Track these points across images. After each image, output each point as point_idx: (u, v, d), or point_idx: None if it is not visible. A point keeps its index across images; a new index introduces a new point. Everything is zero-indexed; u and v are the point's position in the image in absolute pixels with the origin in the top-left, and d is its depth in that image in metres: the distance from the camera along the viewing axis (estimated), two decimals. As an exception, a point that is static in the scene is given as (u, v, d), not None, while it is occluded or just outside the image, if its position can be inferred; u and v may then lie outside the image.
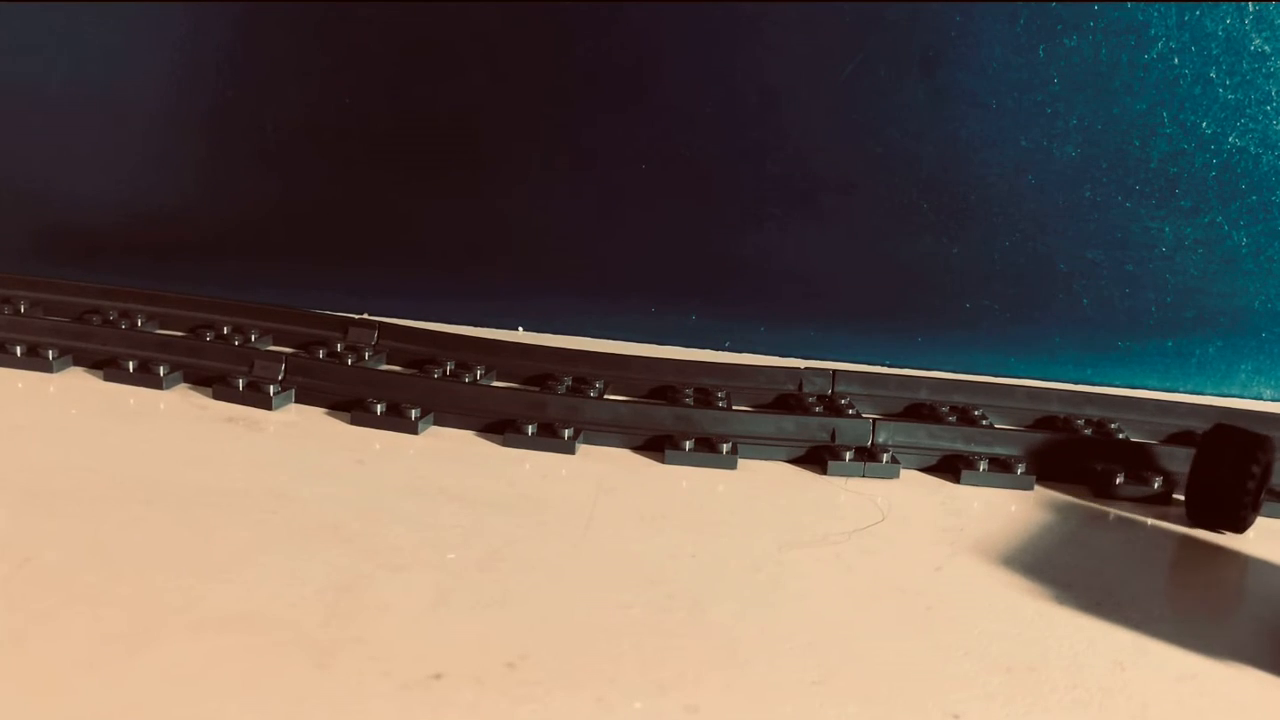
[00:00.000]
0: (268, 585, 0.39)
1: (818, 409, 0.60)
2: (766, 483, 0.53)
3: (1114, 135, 0.70)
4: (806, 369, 0.64)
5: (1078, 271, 0.71)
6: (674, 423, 0.55)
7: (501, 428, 0.55)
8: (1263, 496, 0.52)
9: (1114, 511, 0.53)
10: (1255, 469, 0.50)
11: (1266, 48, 0.68)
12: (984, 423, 0.60)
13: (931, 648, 0.39)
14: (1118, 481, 0.54)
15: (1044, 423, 0.62)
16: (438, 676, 0.35)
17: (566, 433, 0.54)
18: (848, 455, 0.54)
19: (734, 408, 0.60)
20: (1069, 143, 0.70)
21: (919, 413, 0.62)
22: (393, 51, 0.73)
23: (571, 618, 0.39)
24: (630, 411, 0.56)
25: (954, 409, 0.62)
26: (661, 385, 0.62)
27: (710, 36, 0.70)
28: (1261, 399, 0.72)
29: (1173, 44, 0.68)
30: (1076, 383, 0.71)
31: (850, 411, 0.60)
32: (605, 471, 0.53)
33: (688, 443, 0.54)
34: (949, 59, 0.69)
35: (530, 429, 0.54)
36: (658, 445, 0.55)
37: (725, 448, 0.54)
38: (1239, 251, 0.71)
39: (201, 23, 0.74)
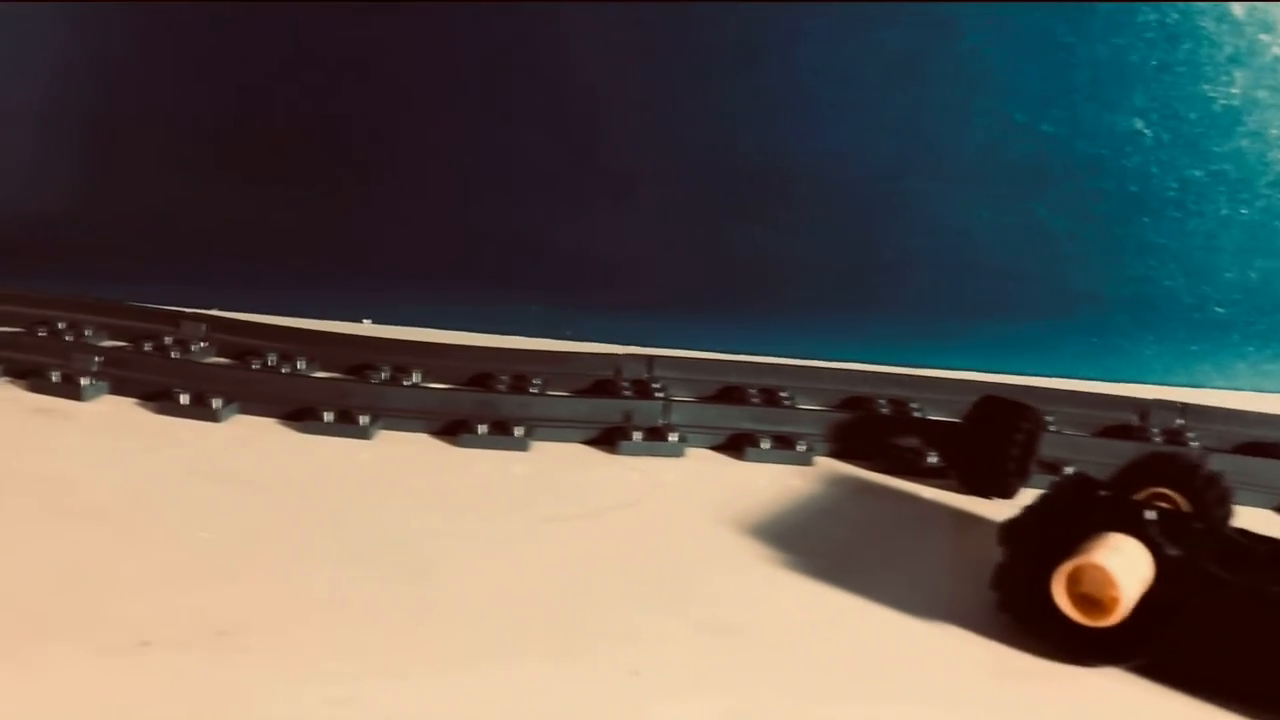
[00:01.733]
0: (9, 565, 0.41)
1: (627, 391, 0.62)
2: (555, 462, 0.55)
3: (932, 126, 0.72)
4: (625, 355, 0.66)
5: (901, 259, 0.74)
6: (472, 407, 0.57)
7: (303, 416, 0.57)
8: (1030, 465, 0.54)
9: (894, 484, 0.56)
10: (1018, 436, 0.52)
11: (1072, 39, 0.70)
12: (785, 403, 0.62)
13: (642, 609, 0.41)
14: (902, 455, 0.57)
15: (850, 402, 0.64)
16: (145, 644, 0.36)
17: (363, 419, 0.56)
18: (637, 435, 0.56)
19: (546, 393, 0.61)
20: (888, 134, 0.72)
21: (729, 395, 0.64)
22: (241, 55, 0.75)
23: (297, 589, 0.41)
24: (431, 397, 0.58)
25: (762, 390, 0.63)
26: (481, 373, 0.64)
27: (535, 34, 0.72)
28: (1085, 379, 0.74)
29: (984, 37, 0.71)
30: (903, 366, 0.73)
31: (659, 395, 0.62)
32: (397, 455, 0.55)
33: (482, 426, 0.56)
34: (771, 53, 0.71)
35: (328, 416, 0.56)
36: (457, 430, 0.56)
37: (519, 430, 0.56)
38: (1056, 236, 0.73)
39: (52, 25, 0.76)
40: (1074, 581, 0.39)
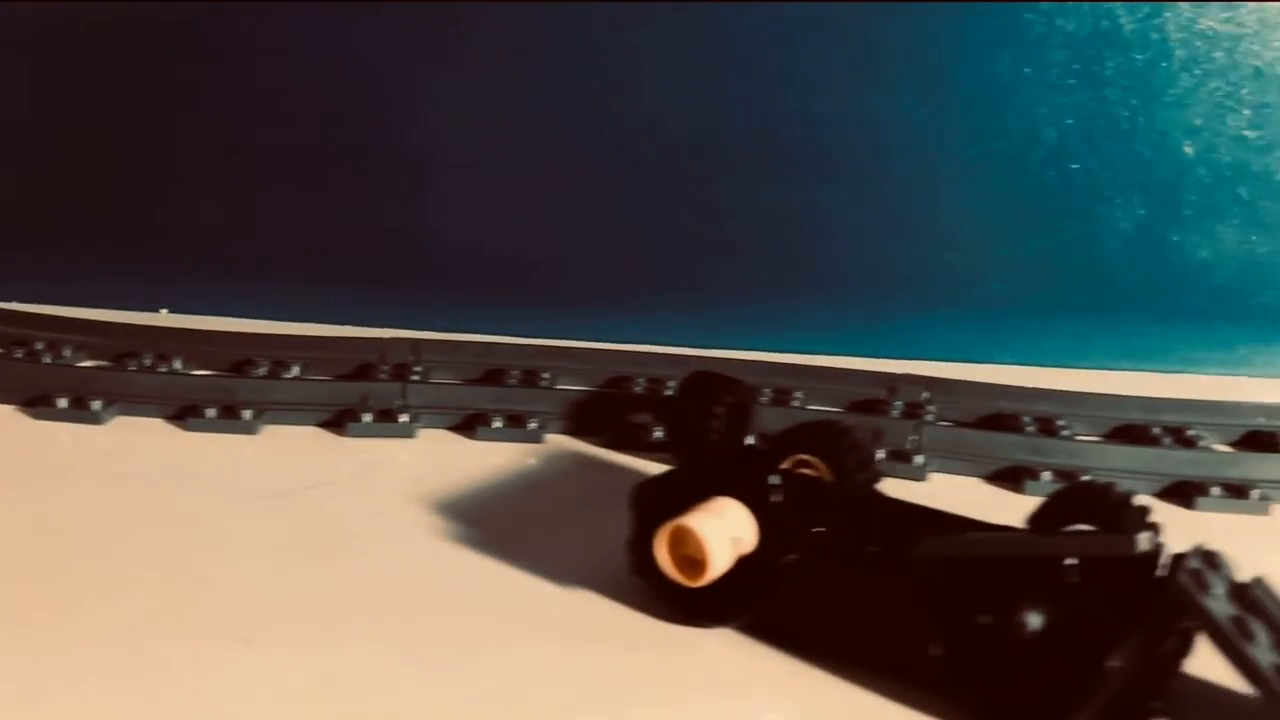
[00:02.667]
0: None
1: (383, 375, 0.63)
2: (278, 445, 0.56)
3: (710, 114, 0.73)
4: (392, 339, 0.67)
5: (685, 243, 0.75)
6: (204, 392, 0.58)
7: (38, 402, 0.58)
8: (740, 437, 0.55)
9: (616, 459, 0.57)
10: (719, 409, 0.53)
11: (839, 21, 0.71)
12: (544, 384, 0.63)
13: (286, 582, 0.42)
14: (630, 430, 0.58)
15: (612, 382, 0.65)
16: None
17: (96, 404, 0.57)
18: (366, 417, 0.57)
19: (287, 377, 0.62)
20: (672, 121, 0.73)
21: (494, 378, 0.65)
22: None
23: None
24: (163, 382, 0.59)
25: (525, 372, 0.64)
26: (243, 359, 0.65)
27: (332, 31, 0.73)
28: (869, 356, 0.74)
29: (754, 25, 0.72)
30: (690, 348, 0.73)
31: (415, 378, 0.63)
32: (126, 441, 0.56)
33: (211, 410, 0.57)
34: (534, 52, 0.73)
35: (62, 402, 0.57)
36: (187, 415, 0.57)
37: (248, 414, 0.57)
38: (832, 218, 0.75)
39: None
40: (677, 544, 0.40)
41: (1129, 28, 0.71)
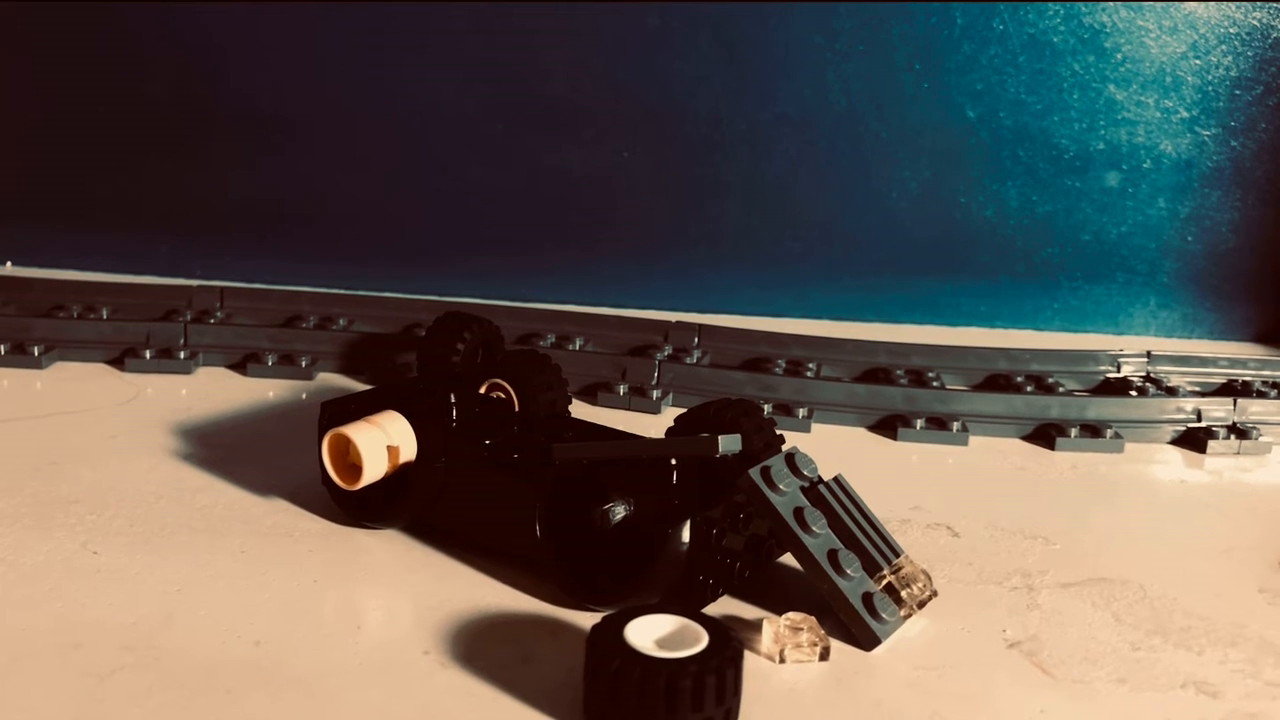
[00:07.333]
0: None
1: (184, 318, 0.67)
2: (63, 379, 0.61)
3: (519, 76, 0.77)
4: (198, 287, 0.71)
5: (496, 199, 0.79)
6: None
7: None
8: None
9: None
10: (460, 345, 0.58)
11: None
12: (304, 326, 0.67)
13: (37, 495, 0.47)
14: (391, 368, 0.63)
15: (410, 328, 0.69)
16: None
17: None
18: (147, 354, 0.62)
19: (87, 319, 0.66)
20: (479, 81, 0.77)
21: (290, 321, 0.69)
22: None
23: None
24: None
25: (322, 318, 0.69)
26: (55, 305, 0.69)
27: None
28: (660, 310, 0.78)
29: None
30: (497, 300, 0.74)
31: (213, 320, 0.67)
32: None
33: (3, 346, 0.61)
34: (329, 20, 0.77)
35: None
36: (-17, 350, 0.62)
37: (37, 350, 0.61)
38: (640, 176, 0.79)
39: None
40: (342, 453, 0.44)
41: None
